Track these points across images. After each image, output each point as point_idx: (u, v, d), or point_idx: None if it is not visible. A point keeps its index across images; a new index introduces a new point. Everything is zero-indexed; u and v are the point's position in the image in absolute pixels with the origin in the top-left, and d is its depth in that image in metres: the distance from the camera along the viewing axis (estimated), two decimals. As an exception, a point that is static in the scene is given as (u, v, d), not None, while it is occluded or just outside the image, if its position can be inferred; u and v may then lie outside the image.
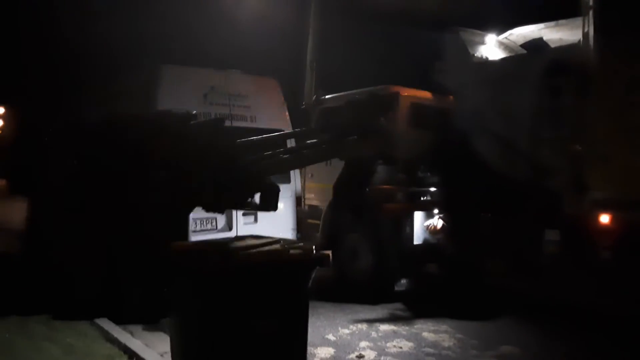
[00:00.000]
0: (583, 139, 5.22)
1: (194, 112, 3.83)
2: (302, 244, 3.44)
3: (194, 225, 5.58)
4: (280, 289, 3.06)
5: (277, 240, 3.36)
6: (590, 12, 5.35)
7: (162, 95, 5.56)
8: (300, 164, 5.54)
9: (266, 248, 3.19)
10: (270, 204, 3.45)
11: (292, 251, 3.16)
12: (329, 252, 3.23)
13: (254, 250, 3.13)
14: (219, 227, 5.78)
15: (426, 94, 7.28)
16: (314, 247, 3.25)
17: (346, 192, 4.35)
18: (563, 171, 5.28)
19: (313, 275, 3.23)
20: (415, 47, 9.75)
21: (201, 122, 4.03)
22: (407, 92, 7.20)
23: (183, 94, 5.71)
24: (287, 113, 6.58)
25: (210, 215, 5.68)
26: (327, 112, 7.79)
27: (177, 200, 3.25)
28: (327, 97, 7.97)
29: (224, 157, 3.27)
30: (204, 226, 5.66)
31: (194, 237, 5.35)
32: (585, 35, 5.44)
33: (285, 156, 3.84)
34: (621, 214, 4.74)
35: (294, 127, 6.71)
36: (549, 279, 5.43)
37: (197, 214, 5.47)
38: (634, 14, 5.04)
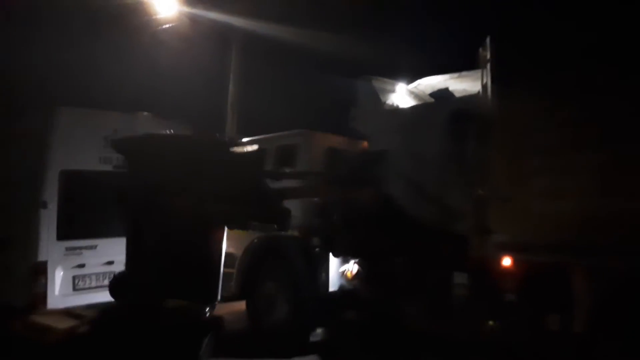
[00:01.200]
0: (485, 183, 5.41)
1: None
2: (193, 307, 3.14)
3: (82, 283, 5.05)
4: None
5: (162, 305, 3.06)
6: (488, 65, 5.69)
7: (57, 140, 5.15)
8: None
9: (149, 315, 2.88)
10: (286, 225, 4.30)
11: (181, 317, 2.87)
12: (221, 316, 2.98)
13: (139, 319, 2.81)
14: (118, 281, 5.29)
15: (341, 139, 7.38)
16: (206, 309, 2.98)
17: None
18: (468, 215, 5.42)
19: (206, 341, 2.94)
20: (332, 93, 10.01)
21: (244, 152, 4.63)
22: (323, 136, 7.26)
23: (81, 139, 5.32)
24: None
25: (108, 268, 5.21)
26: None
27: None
28: (242, 140, 7.83)
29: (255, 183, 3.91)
30: (100, 282, 5.16)
31: (85, 297, 4.87)
32: (484, 86, 5.76)
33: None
34: (521, 257, 4.90)
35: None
36: (462, 322, 5.45)
37: (92, 269, 5.08)
38: (526, 66, 5.40)
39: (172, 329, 2.81)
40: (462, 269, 5.33)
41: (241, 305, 6.76)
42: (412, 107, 6.96)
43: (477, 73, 6.09)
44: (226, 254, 6.95)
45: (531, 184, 5.13)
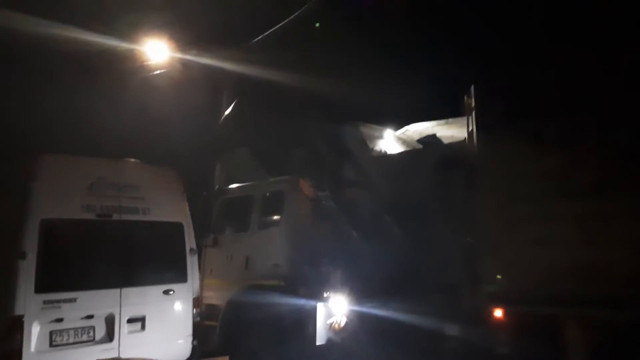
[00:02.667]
0: (473, 232, 5.37)
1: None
2: None
3: (60, 339, 4.82)
4: None
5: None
6: (473, 113, 5.77)
7: (39, 187, 5.03)
8: None
9: None
10: None
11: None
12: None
13: None
14: (97, 337, 5.03)
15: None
16: None
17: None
18: (458, 264, 5.35)
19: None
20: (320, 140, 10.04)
21: None
22: (310, 183, 7.21)
23: (64, 186, 5.20)
24: (185, 204, 6.18)
25: (87, 323, 4.99)
26: (228, 202, 7.57)
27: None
28: (230, 187, 7.78)
29: None
30: (78, 337, 4.92)
31: (62, 354, 4.63)
32: (470, 133, 5.82)
33: None
34: (513, 308, 4.80)
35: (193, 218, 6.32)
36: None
37: (71, 323, 4.86)
38: (511, 115, 5.48)
39: None
40: (454, 321, 5.20)
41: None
42: (400, 154, 6.99)
43: (463, 120, 6.18)
44: (210, 305, 6.79)
45: (519, 232, 5.10)
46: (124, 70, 11.50)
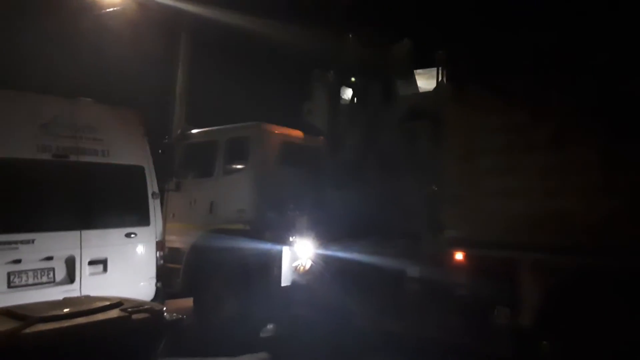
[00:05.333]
0: (438, 182, 5.50)
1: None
2: (148, 305, 2.92)
3: (18, 280, 4.67)
4: None
5: (117, 303, 2.82)
6: (443, 65, 5.78)
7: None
8: None
9: (100, 316, 2.62)
10: None
11: (135, 316, 2.65)
12: (182, 316, 2.79)
13: (85, 320, 2.55)
14: (58, 279, 4.92)
15: (297, 133, 7.27)
16: (163, 309, 2.78)
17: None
18: (422, 211, 5.49)
19: (163, 343, 2.76)
20: (287, 86, 9.86)
21: None
22: (276, 129, 7.12)
23: (16, 124, 4.90)
24: (147, 147, 5.98)
25: (46, 264, 4.85)
26: (191, 147, 7.39)
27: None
28: (192, 131, 7.56)
29: None
30: (38, 279, 4.78)
31: (21, 295, 4.48)
32: (439, 84, 5.85)
33: None
34: (473, 251, 5.02)
35: (154, 162, 6.13)
36: (415, 317, 5.51)
37: (29, 264, 4.71)
38: (480, 67, 5.52)
39: (135, 329, 2.59)
40: (416, 263, 5.38)
41: (187, 301, 6.54)
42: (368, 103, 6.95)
43: (432, 71, 6.19)
44: (173, 249, 6.74)
45: (481, 183, 5.26)
46: (74, 7, 10.73)
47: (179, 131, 7.95)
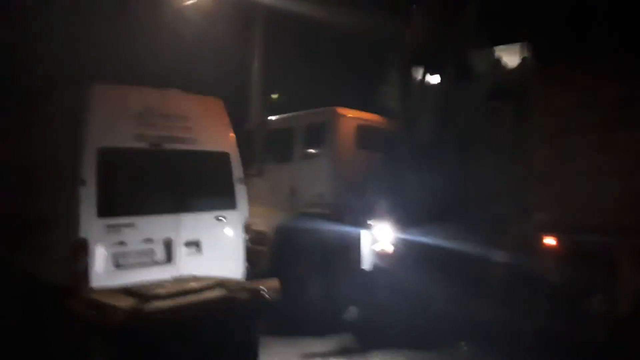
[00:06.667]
0: (524, 162, 5.29)
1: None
2: (248, 285, 3.10)
3: (123, 260, 5.06)
4: (227, 340, 2.70)
5: (220, 283, 3.01)
6: (529, 39, 5.52)
7: (93, 117, 5.11)
8: None
9: (208, 294, 2.82)
10: None
11: (238, 295, 2.84)
12: (280, 296, 2.92)
13: (195, 298, 2.76)
14: (157, 259, 5.26)
15: (372, 116, 7.26)
16: (264, 288, 2.93)
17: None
18: (507, 194, 5.32)
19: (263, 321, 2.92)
20: (362, 70, 9.83)
21: None
22: (351, 114, 7.16)
23: (116, 115, 5.28)
24: (232, 134, 6.24)
25: (147, 246, 5.23)
26: (270, 133, 7.60)
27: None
28: (271, 118, 7.78)
29: None
30: (140, 259, 5.17)
31: (126, 275, 4.88)
32: (524, 60, 5.60)
33: None
34: (565, 236, 4.80)
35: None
36: (501, 303, 5.39)
37: (132, 246, 5.10)
38: (568, 44, 5.22)
39: (239, 308, 2.78)
40: (502, 248, 5.24)
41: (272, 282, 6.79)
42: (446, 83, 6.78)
43: (515, 47, 5.93)
44: (258, 232, 7.00)
45: (572, 162, 5.00)
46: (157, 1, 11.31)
47: (258, 118, 8.20)
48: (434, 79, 6.85)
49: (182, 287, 2.86)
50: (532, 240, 4.97)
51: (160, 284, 3.08)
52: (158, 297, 2.66)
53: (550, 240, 4.87)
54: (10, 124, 6.71)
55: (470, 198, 5.64)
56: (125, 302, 2.63)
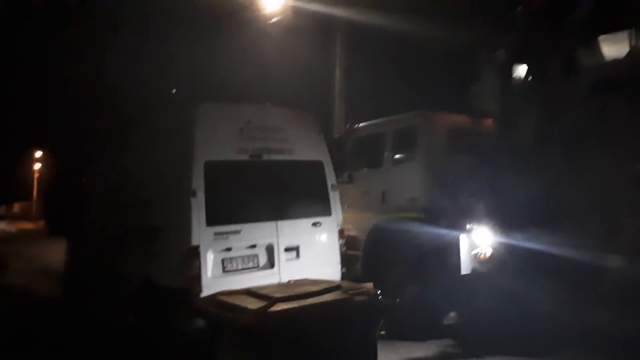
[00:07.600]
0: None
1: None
2: (365, 288, 3.18)
3: (230, 265, 5.38)
4: (346, 343, 2.78)
5: (337, 286, 3.12)
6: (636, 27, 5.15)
7: (200, 133, 5.52)
8: None
9: (327, 297, 2.92)
10: None
11: (356, 298, 2.91)
12: (397, 299, 2.94)
13: (315, 301, 2.86)
14: (261, 264, 5.58)
15: (463, 118, 7.11)
16: (379, 292, 3.00)
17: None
18: (620, 193, 4.97)
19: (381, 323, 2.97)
20: (448, 71, 9.67)
21: None
22: (441, 116, 7.07)
23: (221, 131, 5.66)
24: (324, 143, 6.44)
25: (251, 252, 5.52)
26: (360, 140, 7.70)
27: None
28: (360, 125, 7.88)
29: None
30: (245, 264, 5.48)
31: (233, 279, 5.18)
32: (633, 49, 5.23)
33: None
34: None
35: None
36: (612, 310, 5.03)
37: (238, 252, 5.42)
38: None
39: (357, 310, 2.86)
40: (617, 252, 4.90)
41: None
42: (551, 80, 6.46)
43: (620, 36, 5.55)
44: (351, 237, 7.11)
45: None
46: (244, 19, 11.91)
47: (347, 126, 8.34)
48: (536, 77, 6.58)
49: (303, 290, 2.99)
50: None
51: (278, 286, 3.25)
52: (282, 299, 2.81)
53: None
54: (125, 144, 7.41)
55: (581, 199, 5.31)
56: (253, 304, 2.80)
